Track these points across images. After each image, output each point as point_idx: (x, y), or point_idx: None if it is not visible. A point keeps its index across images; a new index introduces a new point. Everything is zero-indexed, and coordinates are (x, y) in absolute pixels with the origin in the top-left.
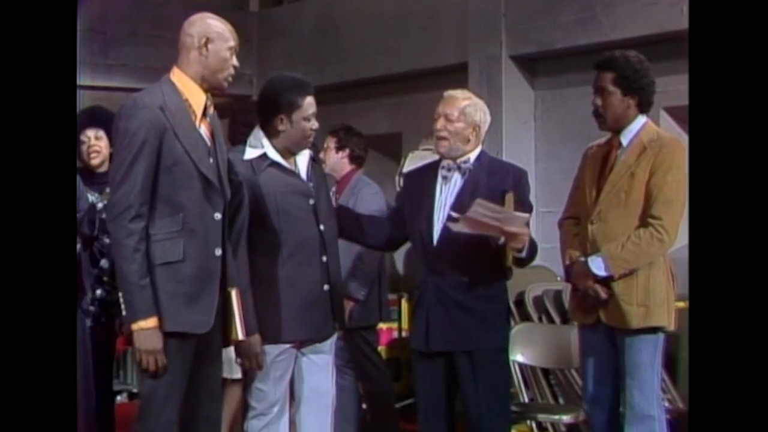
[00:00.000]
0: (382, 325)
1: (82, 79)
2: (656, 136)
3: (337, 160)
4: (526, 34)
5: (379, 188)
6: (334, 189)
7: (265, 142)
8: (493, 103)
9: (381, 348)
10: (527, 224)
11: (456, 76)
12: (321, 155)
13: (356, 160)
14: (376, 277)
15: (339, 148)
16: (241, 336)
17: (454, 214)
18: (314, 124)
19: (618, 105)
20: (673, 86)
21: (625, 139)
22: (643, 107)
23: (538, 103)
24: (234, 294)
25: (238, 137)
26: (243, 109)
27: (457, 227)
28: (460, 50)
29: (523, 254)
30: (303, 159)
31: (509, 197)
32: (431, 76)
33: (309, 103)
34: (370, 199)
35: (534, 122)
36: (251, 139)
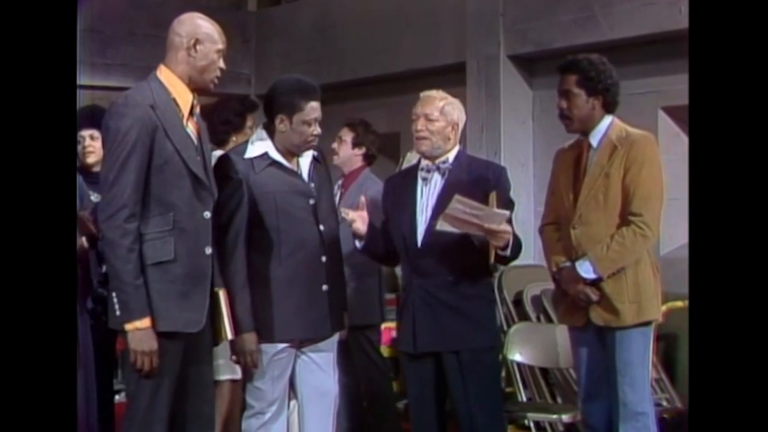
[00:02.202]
0: (382, 325)
1: (81, 79)
2: (625, 134)
3: (350, 155)
4: (524, 34)
5: None
6: (339, 182)
7: (268, 141)
8: (491, 103)
9: (381, 347)
10: (509, 221)
11: (454, 75)
12: (334, 146)
13: (369, 158)
14: (375, 271)
15: (356, 144)
16: (230, 336)
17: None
18: (316, 129)
19: (583, 106)
20: (671, 86)
21: (594, 139)
22: (609, 107)
23: (536, 103)
24: (222, 294)
25: (218, 136)
26: (219, 108)
27: (440, 226)
28: (458, 50)
29: (507, 252)
30: (305, 159)
31: (493, 196)
32: (429, 76)
33: (312, 107)
34: (378, 197)
35: (532, 122)
36: (253, 138)
